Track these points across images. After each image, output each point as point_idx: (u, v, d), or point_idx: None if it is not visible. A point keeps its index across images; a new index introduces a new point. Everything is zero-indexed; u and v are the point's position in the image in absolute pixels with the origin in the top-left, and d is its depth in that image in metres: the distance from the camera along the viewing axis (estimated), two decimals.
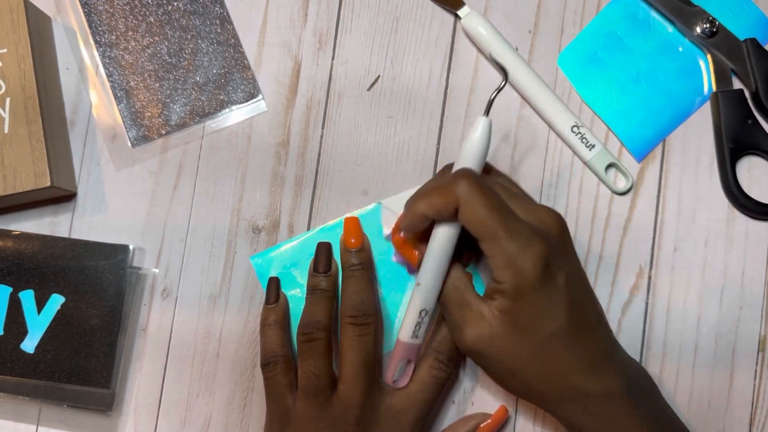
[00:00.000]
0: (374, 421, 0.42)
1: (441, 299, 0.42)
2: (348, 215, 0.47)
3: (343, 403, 0.42)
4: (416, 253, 0.44)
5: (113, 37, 0.50)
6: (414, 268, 0.46)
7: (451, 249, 0.41)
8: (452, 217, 0.40)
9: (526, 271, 0.38)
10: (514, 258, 0.38)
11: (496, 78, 0.49)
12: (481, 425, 0.45)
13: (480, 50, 0.49)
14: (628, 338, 0.47)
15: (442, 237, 0.41)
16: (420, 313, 0.42)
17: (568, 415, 0.41)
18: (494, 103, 0.49)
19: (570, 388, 0.40)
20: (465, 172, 0.39)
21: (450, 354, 0.44)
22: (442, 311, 0.44)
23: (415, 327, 0.42)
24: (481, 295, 0.41)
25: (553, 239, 0.40)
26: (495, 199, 0.39)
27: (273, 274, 0.48)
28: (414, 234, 0.44)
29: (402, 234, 0.45)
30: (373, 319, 0.43)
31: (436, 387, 0.44)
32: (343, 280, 0.45)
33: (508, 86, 0.49)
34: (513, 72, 0.48)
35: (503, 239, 0.38)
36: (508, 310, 0.39)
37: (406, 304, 0.46)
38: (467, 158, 0.41)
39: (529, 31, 0.50)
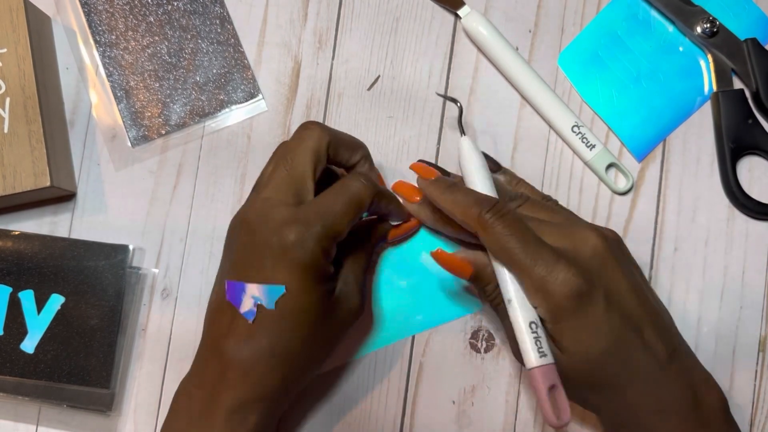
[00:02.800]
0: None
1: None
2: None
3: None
4: (470, 265, 0.41)
5: (113, 37, 0.50)
6: (468, 277, 0.42)
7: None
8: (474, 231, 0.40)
9: (556, 294, 0.37)
10: (541, 282, 0.37)
11: (495, 77, 0.49)
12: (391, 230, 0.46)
13: (480, 50, 0.49)
14: None
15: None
16: (531, 326, 0.38)
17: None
18: (494, 104, 0.49)
19: (624, 406, 0.39)
20: (484, 199, 0.39)
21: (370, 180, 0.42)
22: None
23: (537, 344, 0.38)
24: None
25: (583, 260, 0.38)
26: (517, 224, 0.38)
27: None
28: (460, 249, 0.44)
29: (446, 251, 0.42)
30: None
31: (352, 198, 0.40)
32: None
33: (508, 87, 0.49)
34: (513, 72, 0.48)
35: (527, 265, 0.37)
36: (551, 336, 0.38)
37: (408, 288, 0.47)
38: (471, 180, 0.42)
39: (530, 31, 0.50)
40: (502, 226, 0.38)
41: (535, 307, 0.38)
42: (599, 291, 0.37)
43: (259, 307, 0.37)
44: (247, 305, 0.37)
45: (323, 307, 0.39)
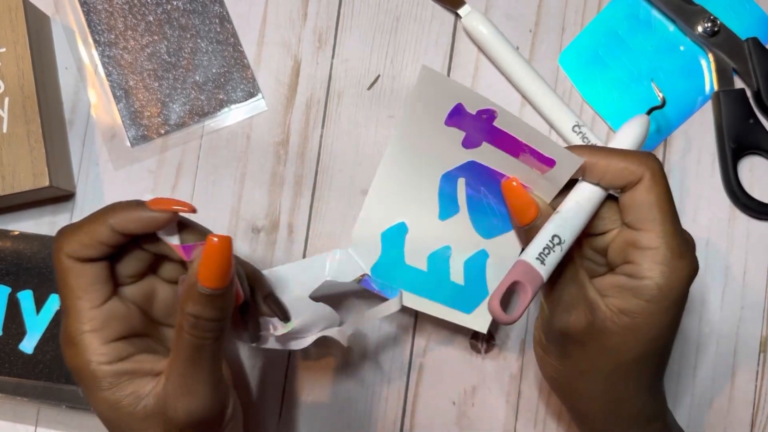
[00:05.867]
0: None
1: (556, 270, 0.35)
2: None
3: None
4: (537, 207, 0.36)
5: (112, 37, 0.50)
6: (521, 224, 0.37)
7: (593, 209, 0.36)
8: (612, 184, 0.35)
9: (680, 276, 0.33)
10: (675, 255, 0.33)
11: (495, 77, 0.49)
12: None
13: (481, 50, 0.49)
14: None
15: (590, 192, 0.36)
16: (553, 238, 0.34)
17: None
18: (494, 100, 0.49)
19: (638, 410, 0.37)
20: (654, 155, 0.35)
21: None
22: (548, 286, 0.37)
23: (543, 250, 0.34)
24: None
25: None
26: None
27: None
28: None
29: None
30: None
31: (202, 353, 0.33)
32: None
33: (508, 86, 0.49)
34: (514, 71, 0.48)
35: (671, 233, 0.34)
36: (632, 311, 0.34)
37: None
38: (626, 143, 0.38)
39: (530, 31, 0.49)
40: (667, 184, 0.34)
41: (642, 278, 0.34)
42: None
43: None
44: None
45: None
